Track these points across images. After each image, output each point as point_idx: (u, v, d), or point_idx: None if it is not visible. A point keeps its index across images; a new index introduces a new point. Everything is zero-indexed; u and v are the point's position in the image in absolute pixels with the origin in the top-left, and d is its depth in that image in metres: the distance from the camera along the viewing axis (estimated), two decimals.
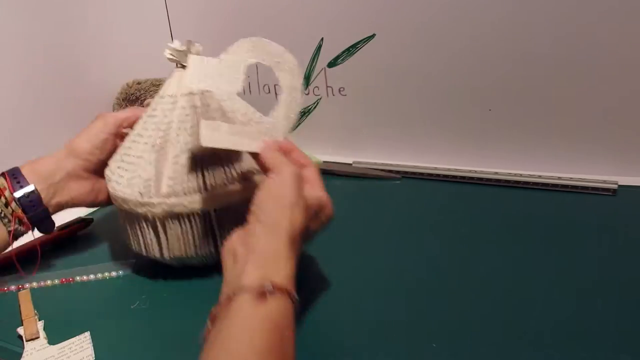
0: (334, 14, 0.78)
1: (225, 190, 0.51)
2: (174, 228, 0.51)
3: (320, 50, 0.83)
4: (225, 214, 0.52)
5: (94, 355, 0.45)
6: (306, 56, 0.84)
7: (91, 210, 0.77)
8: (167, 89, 0.54)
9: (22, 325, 0.49)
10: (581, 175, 0.70)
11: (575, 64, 0.67)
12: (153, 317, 0.50)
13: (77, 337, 0.47)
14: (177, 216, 0.51)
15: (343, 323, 0.47)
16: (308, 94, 0.86)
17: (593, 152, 0.71)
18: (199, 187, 0.51)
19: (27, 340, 0.47)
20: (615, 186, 0.66)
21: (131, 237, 0.55)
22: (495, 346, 0.41)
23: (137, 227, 0.53)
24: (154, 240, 0.53)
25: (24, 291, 0.55)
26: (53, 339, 0.47)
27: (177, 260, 0.54)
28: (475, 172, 0.75)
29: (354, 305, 0.49)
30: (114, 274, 0.58)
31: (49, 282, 0.57)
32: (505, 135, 0.75)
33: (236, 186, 0.51)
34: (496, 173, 0.73)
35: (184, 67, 0.54)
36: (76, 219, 0.69)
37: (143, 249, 0.54)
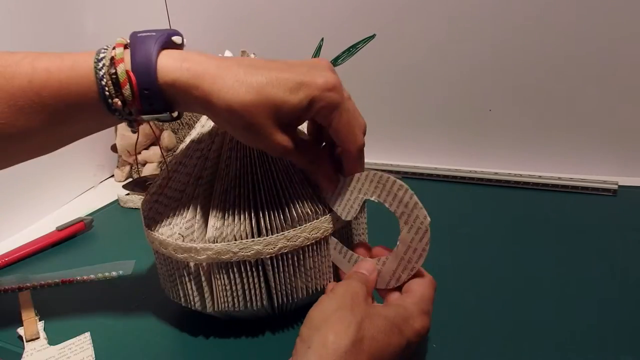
0: (334, 14, 0.78)
1: (284, 234, 0.42)
2: (220, 278, 0.43)
3: (320, 50, 0.83)
4: (282, 261, 0.43)
5: (94, 356, 0.45)
6: (306, 56, 0.84)
7: (91, 210, 0.77)
8: None
9: (23, 325, 0.49)
10: (581, 175, 0.70)
11: (575, 64, 0.67)
12: (153, 317, 0.50)
13: (77, 337, 0.47)
14: (224, 265, 0.42)
15: None
16: None
17: (593, 153, 0.71)
18: (252, 231, 0.42)
19: (27, 341, 0.47)
20: (615, 186, 0.66)
21: (169, 285, 0.47)
22: (495, 346, 0.41)
23: (176, 275, 0.45)
24: (196, 291, 0.44)
25: (25, 292, 0.55)
26: (53, 340, 0.47)
27: (223, 315, 0.46)
28: (476, 172, 0.75)
29: None
30: (114, 274, 0.58)
31: (49, 283, 0.57)
32: (506, 135, 0.75)
33: (297, 230, 0.42)
34: (496, 173, 0.73)
35: None
36: (75, 219, 0.69)
37: (182, 300, 0.46)
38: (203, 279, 0.43)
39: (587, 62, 0.67)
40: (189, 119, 0.86)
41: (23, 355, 0.46)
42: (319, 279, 0.45)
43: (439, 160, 0.78)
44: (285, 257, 0.43)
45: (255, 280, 0.43)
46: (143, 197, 0.49)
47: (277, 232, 0.42)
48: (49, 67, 0.37)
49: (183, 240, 0.42)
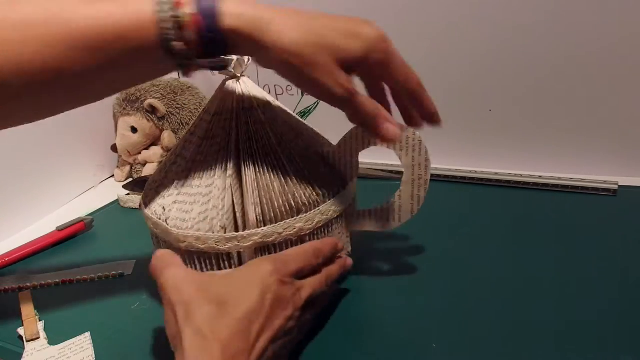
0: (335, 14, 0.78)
1: (319, 209, 0.45)
2: None
3: None
4: (316, 237, 0.46)
5: (94, 356, 0.45)
6: None
7: (91, 210, 0.77)
8: (222, 104, 0.48)
9: (23, 325, 0.49)
10: (581, 175, 0.70)
11: (575, 64, 0.67)
12: (153, 317, 0.50)
13: (77, 337, 0.47)
14: (268, 247, 0.44)
15: (342, 323, 0.47)
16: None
17: (593, 153, 0.71)
18: (291, 210, 0.44)
19: (27, 341, 0.47)
20: (615, 186, 0.66)
21: None
22: (496, 346, 0.41)
23: (212, 269, 0.45)
24: None
25: (25, 291, 0.55)
26: (53, 340, 0.47)
27: None
28: (476, 172, 0.75)
29: (353, 305, 0.49)
30: (114, 274, 0.58)
31: (49, 282, 0.57)
32: (506, 135, 0.75)
33: (327, 204, 0.46)
34: (496, 173, 0.73)
35: (237, 78, 0.48)
36: (75, 219, 0.69)
37: None
38: None
39: (587, 62, 0.67)
40: (189, 119, 0.86)
41: (23, 355, 0.46)
42: (343, 247, 0.49)
43: (439, 160, 0.78)
44: (318, 232, 0.46)
45: None
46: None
47: (313, 208, 0.44)
48: (109, 9, 0.37)
49: (226, 232, 0.43)
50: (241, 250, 0.44)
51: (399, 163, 0.48)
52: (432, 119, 0.45)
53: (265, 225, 0.43)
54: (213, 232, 0.43)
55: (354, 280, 0.53)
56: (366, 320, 0.47)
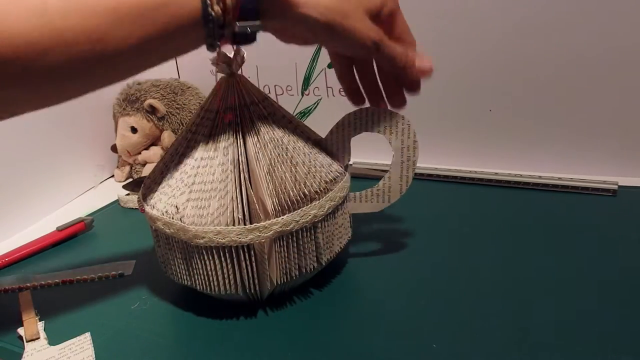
0: None
1: (329, 196, 0.47)
2: (280, 251, 0.46)
3: (320, 50, 0.83)
4: (327, 222, 0.48)
5: (94, 356, 0.45)
6: (306, 57, 0.84)
7: (91, 210, 0.77)
8: (223, 101, 0.48)
9: (23, 325, 0.49)
10: (581, 175, 0.70)
11: (575, 64, 0.67)
12: (153, 317, 0.50)
13: (77, 337, 0.47)
14: (283, 237, 0.46)
15: (341, 324, 0.47)
16: (308, 94, 0.86)
17: (593, 153, 0.71)
18: (306, 198, 0.46)
19: (27, 341, 0.47)
20: (615, 187, 0.66)
21: (209, 279, 0.47)
22: (496, 347, 0.41)
23: (235, 263, 0.46)
24: (253, 272, 0.46)
25: (25, 292, 0.55)
26: (53, 340, 0.47)
27: (280, 287, 0.49)
28: (475, 172, 0.75)
29: (353, 306, 0.49)
30: (114, 274, 0.58)
31: (49, 283, 0.57)
32: (506, 135, 0.75)
33: (335, 191, 0.48)
34: (496, 173, 0.73)
35: (232, 74, 0.49)
36: (75, 219, 0.70)
37: (234, 287, 0.47)
38: (266, 257, 0.45)
39: (587, 63, 0.67)
40: (189, 119, 0.86)
41: (23, 356, 0.46)
42: (345, 231, 0.52)
43: (438, 160, 0.78)
44: (327, 218, 0.48)
45: (307, 245, 0.47)
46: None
47: (324, 195, 0.47)
48: None
49: (246, 224, 0.44)
50: (263, 240, 0.45)
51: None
52: (414, 86, 0.49)
53: (283, 215, 0.45)
54: (236, 225, 0.44)
55: (353, 279, 0.53)
56: (366, 320, 0.47)
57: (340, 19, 0.41)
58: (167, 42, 0.40)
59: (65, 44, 0.36)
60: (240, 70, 0.49)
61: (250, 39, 0.41)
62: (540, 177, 0.71)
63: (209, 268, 0.46)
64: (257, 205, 0.45)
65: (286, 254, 0.46)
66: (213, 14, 0.39)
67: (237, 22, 0.40)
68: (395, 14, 0.46)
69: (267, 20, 0.41)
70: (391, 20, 0.46)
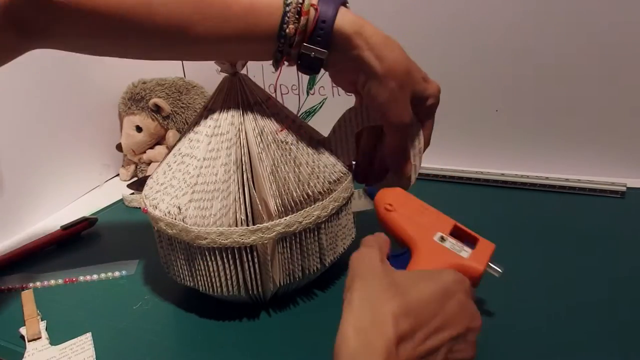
0: None
1: (332, 197, 0.47)
2: (283, 252, 0.46)
3: None
4: (330, 223, 0.48)
5: (94, 356, 0.45)
6: None
7: (96, 209, 0.77)
8: (226, 101, 0.48)
9: (25, 325, 0.49)
10: (589, 177, 0.69)
11: (583, 65, 0.67)
12: (155, 318, 0.50)
13: (78, 337, 0.47)
14: (286, 238, 0.45)
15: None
16: (314, 93, 0.86)
17: (601, 154, 0.70)
18: (309, 198, 0.46)
19: (29, 341, 0.47)
20: (623, 188, 0.65)
21: (212, 280, 0.46)
22: (496, 346, 0.41)
23: (238, 263, 0.45)
24: (255, 273, 0.46)
25: (27, 291, 0.55)
26: (55, 340, 0.47)
27: (283, 288, 0.49)
28: (482, 173, 0.74)
29: None
30: (117, 274, 0.58)
31: (52, 282, 0.57)
32: (512, 136, 0.75)
33: (338, 191, 0.47)
34: (503, 174, 0.73)
35: (235, 73, 0.48)
36: (80, 218, 0.69)
37: (237, 288, 0.46)
38: (269, 258, 0.45)
39: (595, 63, 0.66)
40: (192, 119, 0.86)
41: (24, 355, 0.46)
42: (349, 232, 0.52)
43: (445, 161, 0.78)
44: (331, 218, 0.48)
45: (310, 246, 0.47)
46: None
47: (327, 196, 0.46)
48: None
49: (249, 225, 0.44)
50: (265, 241, 0.44)
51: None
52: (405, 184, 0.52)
53: (286, 215, 0.44)
54: (239, 225, 0.44)
55: None
56: None
57: (397, 89, 0.43)
58: (241, 47, 0.44)
59: (156, 23, 0.42)
60: (245, 69, 0.49)
61: (313, 67, 0.44)
62: (547, 178, 0.70)
63: (211, 269, 0.45)
64: (260, 206, 0.44)
65: (289, 255, 0.46)
66: (287, 30, 0.42)
67: (304, 44, 0.43)
68: (433, 111, 0.49)
69: (333, 52, 0.43)
70: (427, 113, 0.49)
